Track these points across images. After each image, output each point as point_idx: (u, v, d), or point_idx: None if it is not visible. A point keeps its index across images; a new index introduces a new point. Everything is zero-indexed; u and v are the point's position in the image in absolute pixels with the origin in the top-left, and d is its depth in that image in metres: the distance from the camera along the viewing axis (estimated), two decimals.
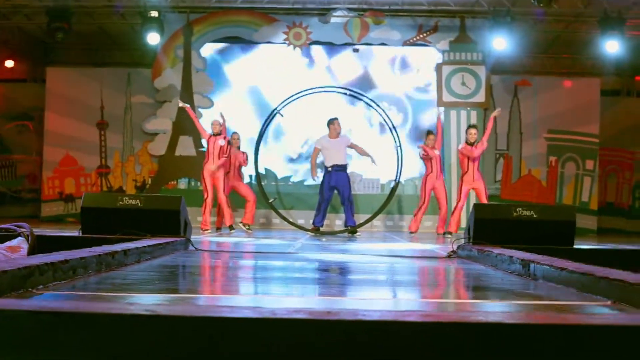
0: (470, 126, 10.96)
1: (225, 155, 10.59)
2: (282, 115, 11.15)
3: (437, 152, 11.15)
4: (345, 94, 11.88)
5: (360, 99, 11.77)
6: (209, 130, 10.70)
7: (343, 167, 10.69)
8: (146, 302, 2.79)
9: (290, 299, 3.18)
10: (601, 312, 2.80)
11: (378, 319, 1.72)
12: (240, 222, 10.97)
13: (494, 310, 2.84)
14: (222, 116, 10.77)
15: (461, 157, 10.70)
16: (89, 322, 1.68)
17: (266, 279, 4.24)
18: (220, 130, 10.61)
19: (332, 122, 10.84)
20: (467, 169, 10.60)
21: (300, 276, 4.32)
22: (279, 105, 11.13)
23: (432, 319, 1.75)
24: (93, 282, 3.37)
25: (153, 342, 1.66)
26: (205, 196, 10.56)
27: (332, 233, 11.03)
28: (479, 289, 3.95)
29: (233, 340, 1.68)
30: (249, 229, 10.82)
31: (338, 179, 10.62)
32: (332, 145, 10.75)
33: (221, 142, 10.57)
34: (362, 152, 11.03)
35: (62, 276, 3.17)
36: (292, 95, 11.19)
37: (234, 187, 11.18)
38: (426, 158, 11.09)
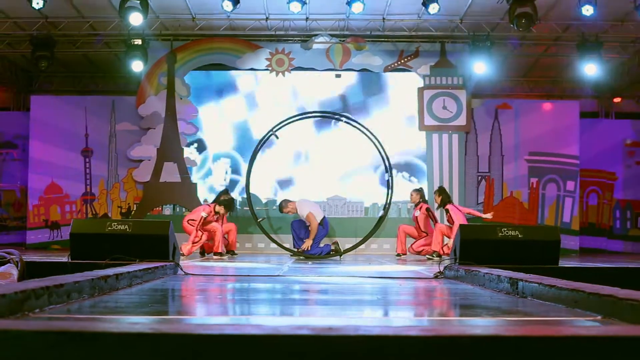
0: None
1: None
2: (277, 137, 11.16)
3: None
4: (340, 119, 11.88)
5: (354, 126, 11.65)
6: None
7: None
8: (145, 321, 2.81)
9: (286, 318, 3.21)
10: (593, 326, 2.84)
11: (379, 334, 1.75)
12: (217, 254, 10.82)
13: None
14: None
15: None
16: (92, 340, 1.71)
17: (257, 301, 4.26)
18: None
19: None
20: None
21: (289, 297, 4.34)
22: (275, 126, 11.18)
23: (432, 333, 1.77)
24: (87, 305, 3.37)
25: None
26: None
27: (318, 257, 10.96)
28: (468, 307, 3.98)
29: (237, 357, 1.71)
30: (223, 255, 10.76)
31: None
32: None
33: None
34: None
35: (57, 300, 3.15)
36: (288, 118, 11.28)
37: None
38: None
